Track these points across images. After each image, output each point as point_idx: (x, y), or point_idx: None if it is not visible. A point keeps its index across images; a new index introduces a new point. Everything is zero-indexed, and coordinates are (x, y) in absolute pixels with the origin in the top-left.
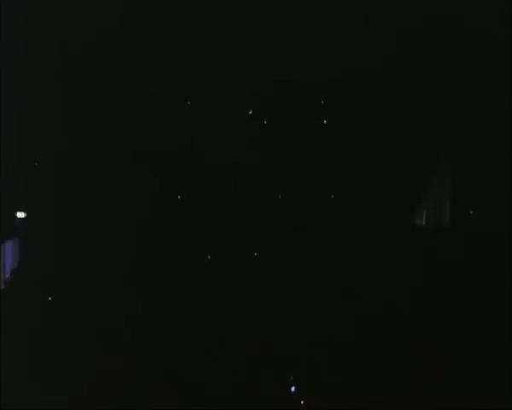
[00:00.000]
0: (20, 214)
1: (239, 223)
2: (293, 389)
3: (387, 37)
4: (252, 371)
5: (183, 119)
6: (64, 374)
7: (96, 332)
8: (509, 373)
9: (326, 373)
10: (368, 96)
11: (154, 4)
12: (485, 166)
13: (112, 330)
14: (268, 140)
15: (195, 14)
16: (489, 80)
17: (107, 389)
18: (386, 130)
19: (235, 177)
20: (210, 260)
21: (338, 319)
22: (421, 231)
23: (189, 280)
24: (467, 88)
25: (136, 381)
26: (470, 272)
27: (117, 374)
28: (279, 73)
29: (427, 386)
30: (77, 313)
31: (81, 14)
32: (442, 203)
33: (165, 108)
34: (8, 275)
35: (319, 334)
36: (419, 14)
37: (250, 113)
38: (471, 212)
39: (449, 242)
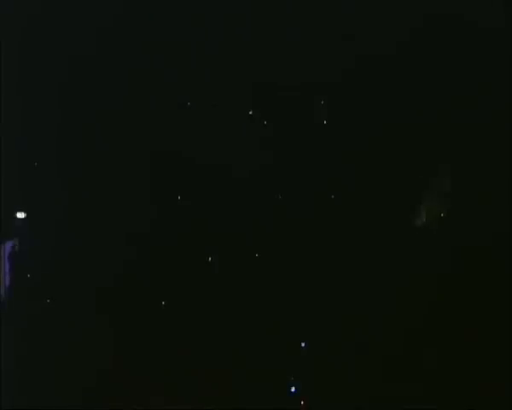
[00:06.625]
0: (20, 214)
1: (239, 223)
2: (293, 389)
3: (387, 36)
4: (252, 371)
5: (183, 119)
6: (63, 375)
7: (95, 333)
8: (508, 373)
9: (326, 374)
10: (367, 96)
11: (156, 5)
12: (486, 166)
13: (112, 331)
14: (268, 140)
15: (197, 15)
16: (489, 80)
17: (107, 390)
18: (386, 130)
19: (235, 177)
20: (211, 261)
21: (338, 319)
22: (421, 231)
23: (190, 281)
24: (466, 88)
25: (137, 382)
26: (470, 271)
27: (117, 375)
28: (279, 73)
29: (427, 386)
30: (77, 313)
31: (83, 14)
32: (441, 203)
33: (165, 108)
34: (7, 275)
35: (319, 334)
36: (419, 13)
37: (250, 113)
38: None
39: (448, 241)
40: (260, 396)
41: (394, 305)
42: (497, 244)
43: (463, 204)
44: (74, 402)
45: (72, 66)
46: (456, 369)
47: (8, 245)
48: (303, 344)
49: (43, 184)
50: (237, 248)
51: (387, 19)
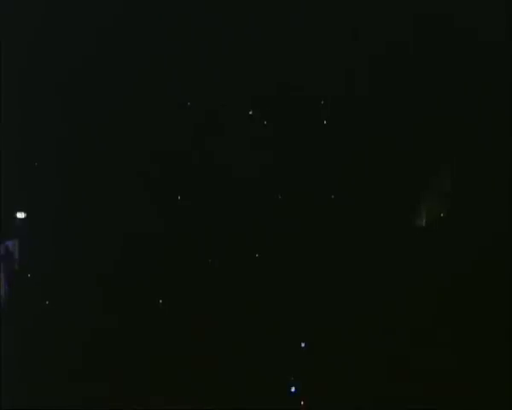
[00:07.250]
0: (20, 214)
1: (239, 223)
2: (293, 389)
3: (387, 37)
4: (252, 370)
5: (183, 119)
6: (63, 375)
7: (95, 333)
8: (508, 373)
9: (326, 374)
10: (368, 96)
11: (159, 6)
12: (486, 166)
13: (112, 331)
14: (268, 140)
15: (200, 16)
16: (489, 81)
17: (107, 390)
18: (386, 130)
19: (235, 177)
20: (211, 261)
21: (338, 320)
22: (421, 231)
23: (191, 281)
24: (467, 88)
25: (137, 382)
26: (470, 271)
27: (117, 375)
28: (279, 74)
29: (427, 386)
30: (76, 313)
31: (84, 12)
32: (441, 203)
33: (165, 108)
34: (7, 275)
35: (319, 334)
36: (419, 14)
37: (250, 113)
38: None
39: (448, 241)
40: (260, 396)
41: (394, 305)
42: (497, 244)
43: (463, 204)
44: (74, 402)
45: (73, 65)
46: (455, 369)
47: (8, 245)
48: (303, 344)
49: (43, 184)
50: (237, 249)
51: (387, 20)
